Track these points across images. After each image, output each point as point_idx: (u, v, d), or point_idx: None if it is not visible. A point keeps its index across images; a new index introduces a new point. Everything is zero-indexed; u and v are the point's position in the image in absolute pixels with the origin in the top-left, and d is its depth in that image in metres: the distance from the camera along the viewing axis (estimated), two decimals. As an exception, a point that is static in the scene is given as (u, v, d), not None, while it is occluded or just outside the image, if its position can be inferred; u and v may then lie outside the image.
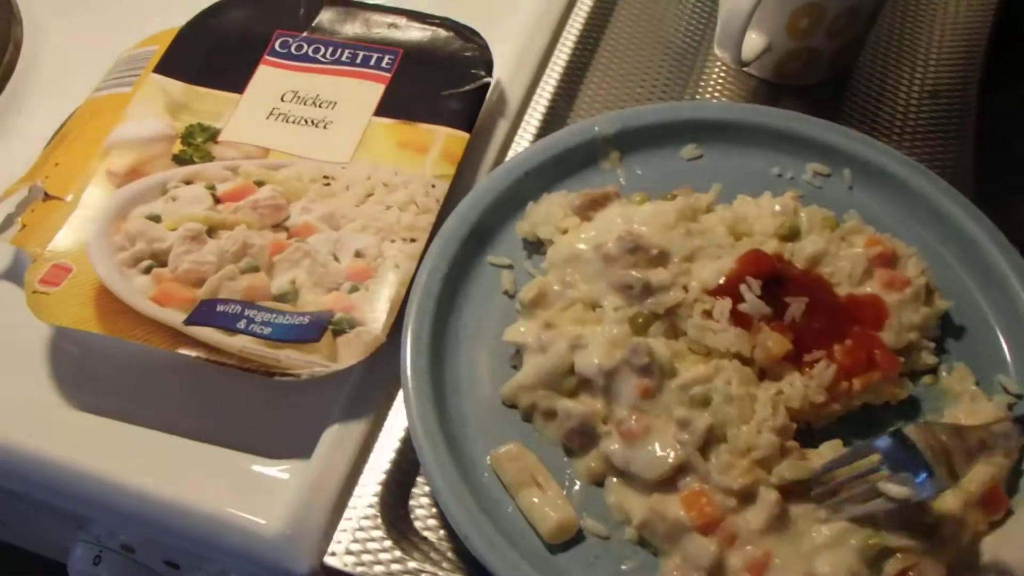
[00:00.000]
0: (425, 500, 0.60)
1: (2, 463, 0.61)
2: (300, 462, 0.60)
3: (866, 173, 0.68)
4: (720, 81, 0.78)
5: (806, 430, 0.59)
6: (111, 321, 0.62)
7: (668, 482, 0.55)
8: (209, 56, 0.76)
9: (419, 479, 0.61)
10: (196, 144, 0.71)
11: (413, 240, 0.66)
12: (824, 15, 0.70)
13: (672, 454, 0.55)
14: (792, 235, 0.63)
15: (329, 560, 0.57)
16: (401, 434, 0.61)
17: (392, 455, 0.61)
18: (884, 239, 0.63)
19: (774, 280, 0.60)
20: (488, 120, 0.74)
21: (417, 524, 0.59)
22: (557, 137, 0.69)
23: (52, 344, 0.66)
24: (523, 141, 0.74)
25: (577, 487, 0.57)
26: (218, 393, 0.64)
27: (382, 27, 0.77)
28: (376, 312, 0.62)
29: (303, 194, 0.69)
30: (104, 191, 0.69)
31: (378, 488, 0.59)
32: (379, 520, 0.58)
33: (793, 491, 0.55)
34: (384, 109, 0.73)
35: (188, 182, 0.69)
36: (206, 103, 0.74)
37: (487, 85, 0.73)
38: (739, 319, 0.59)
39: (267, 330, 0.61)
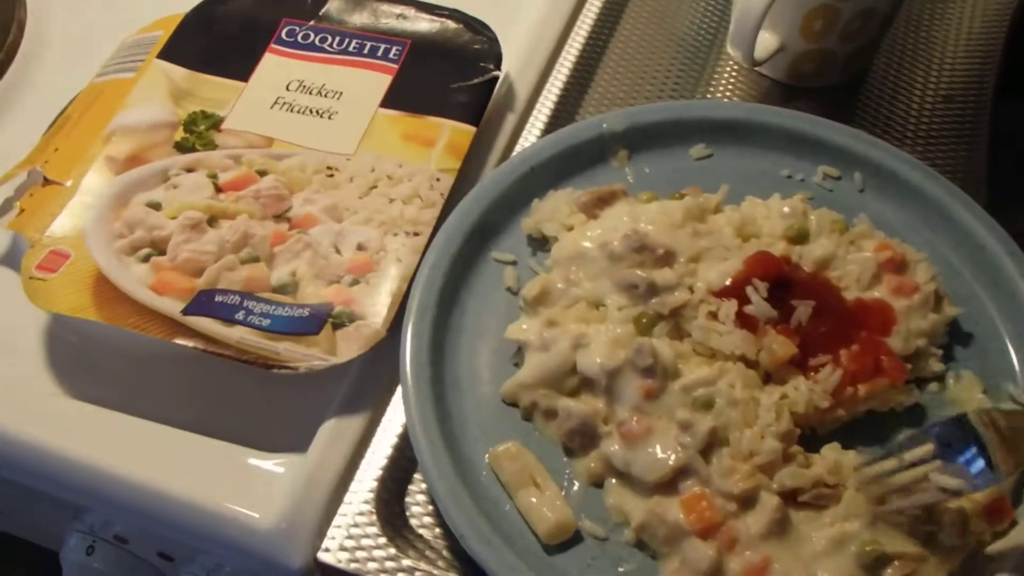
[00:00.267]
0: (421, 497, 0.60)
1: (-4, 450, 0.61)
2: (296, 456, 0.59)
3: (877, 177, 0.67)
4: (732, 81, 0.78)
5: (810, 435, 0.58)
6: (108, 309, 0.62)
7: (668, 485, 0.55)
8: (214, 43, 0.76)
9: (416, 476, 0.60)
10: (199, 132, 0.71)
11: (416, 234, 0.65)
12: (839, 17, 0.70)
13: (673, 456, 0.55)
14: (801, 238, 0.63)
15: (323, 556, 0.57)
16: (399, 430, 0.61)
17: (389, 451, 0.60)
18: (894, 244, 0.62)
19: (781, 283, 0.59)
20: (495, 114, 0.74)
21: (413, 522, 0.59)
22: (565, 133, 0.69)
23: (48, 331, 0.66)
24: (530, 136, 0.74)
25: (576, 488, 0.57)
26: (215, 384, 0.63)
27: (390, 17, 0.77)
28: (377, 306, 0.62)
29: (306, 185, 0.68)
30: (104, 177, 0.68)
31: (374, 484, 0.59)
32: (374, 517, 0.58)
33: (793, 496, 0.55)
34: (390, 101, 0.72)
35: (190, 170, 0.69)
36: (210, 90, 0.73)
37: (495, 79, 0.72)
38: (745, 321, 0.58)
39: (266, 322, 0.61)
